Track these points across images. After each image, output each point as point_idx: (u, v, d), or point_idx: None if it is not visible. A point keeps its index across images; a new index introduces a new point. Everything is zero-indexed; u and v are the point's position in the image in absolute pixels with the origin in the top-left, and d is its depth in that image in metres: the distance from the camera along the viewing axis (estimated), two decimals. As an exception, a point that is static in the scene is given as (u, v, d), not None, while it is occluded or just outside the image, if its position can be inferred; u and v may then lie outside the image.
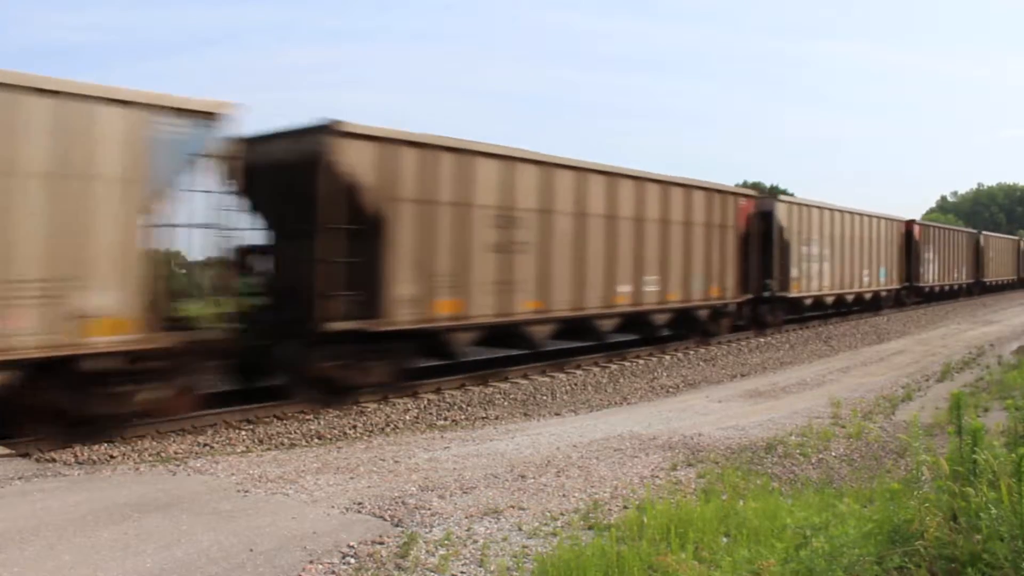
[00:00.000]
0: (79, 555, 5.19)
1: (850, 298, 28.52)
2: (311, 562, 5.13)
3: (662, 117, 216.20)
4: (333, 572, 5.00)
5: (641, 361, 17.21)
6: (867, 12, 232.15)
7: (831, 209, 26.99)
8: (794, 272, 23.67)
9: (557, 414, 11.65)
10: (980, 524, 4.10)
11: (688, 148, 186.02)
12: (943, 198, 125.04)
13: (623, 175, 16.64)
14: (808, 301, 25.03)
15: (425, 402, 12.37)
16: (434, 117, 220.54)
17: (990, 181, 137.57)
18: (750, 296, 21.51)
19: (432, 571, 5.01)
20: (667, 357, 17.95)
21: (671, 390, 13.82)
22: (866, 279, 29.45)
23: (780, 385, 13.72)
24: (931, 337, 22.34)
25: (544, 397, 13.19)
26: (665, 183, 17.91)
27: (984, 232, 50.19)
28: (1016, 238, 60.60)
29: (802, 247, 24.24)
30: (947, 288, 40.08)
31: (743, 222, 20.98)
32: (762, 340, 21.64)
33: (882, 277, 30.99)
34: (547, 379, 14.70)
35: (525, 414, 11.76)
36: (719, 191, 20.11)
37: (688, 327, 19.62)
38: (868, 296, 30.09)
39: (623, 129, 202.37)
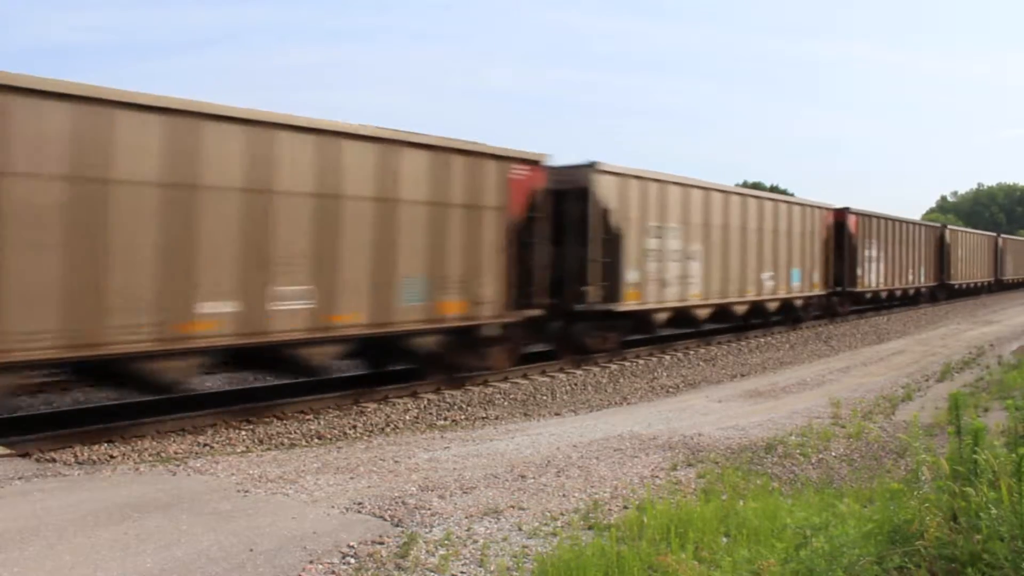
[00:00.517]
0: (79, 555, 5.19)
1: (741, 309, 21.33)
2: (311, 562, 5.13)
3: (662, 117, 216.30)
4: (333, 572, 5.00)
5: (641, 361, 17.20)
6: (867, 12, 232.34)
7: (703, 188, 19.54)
8: (630, 275, 16.79)
9: (557, 414, 11.66)
10: (980, 524, 4.10)
11: (688, 148, 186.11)
12: (943, 198, 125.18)
13: (220, 116, 9.90)
14: (661, 316, 18.16)
15: (425, 402, 12.36)
16: (434, 117, 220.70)
17: (990, 181, 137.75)
18: (539, 312, 14.62)
19: (432, 571, 5.01)
20: (667, 357, 17.93)
21: (671, 390, 13.82)
22: (768, 284, 22.35)
23: (780, 385, 13.73)
24: (931, 337, 22.35)
25: (544, 397, 13.19)
26: (331, 134, 11.14)
27: (950, 227, 43.23)
28: (992, 235, 52.91)
29: (648, 239, 17.37)
30: (898, 293, 33.03)
31: (521, 201, 14.18)
32: (762, 341, 21.60)
33: (795, 281, 23.94)
34: (547, 379, 14.69)
35: (525, 414, 11.76)
36: (463, 151, 13.15)
37: (408, 361, 13.33)
38: (773, 306, 23.07)
39: (623, 129, 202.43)
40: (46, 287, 8.53)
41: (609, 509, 6.34)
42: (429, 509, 6.29)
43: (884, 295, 31.77)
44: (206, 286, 9.79)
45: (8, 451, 8.46)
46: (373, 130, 11.75)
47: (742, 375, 15.42)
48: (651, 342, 19.05)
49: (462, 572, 5.01)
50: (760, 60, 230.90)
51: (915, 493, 4.77)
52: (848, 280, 27.89)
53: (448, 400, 12.62)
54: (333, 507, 6.34)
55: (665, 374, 15.70)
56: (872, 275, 29.97)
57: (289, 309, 10.64)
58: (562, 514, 6.20)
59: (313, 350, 11.16)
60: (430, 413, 11.72)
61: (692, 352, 18.87)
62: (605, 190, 16.29)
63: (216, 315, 9.92)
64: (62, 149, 8.61)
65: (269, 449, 9.27)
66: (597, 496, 6.70)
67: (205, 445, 9.46)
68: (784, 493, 6.91)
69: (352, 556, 5.25)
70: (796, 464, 8.19)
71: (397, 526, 5.89)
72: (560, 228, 15.71)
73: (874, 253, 29.98)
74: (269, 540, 5.52)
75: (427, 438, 9.56)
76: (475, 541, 5.54)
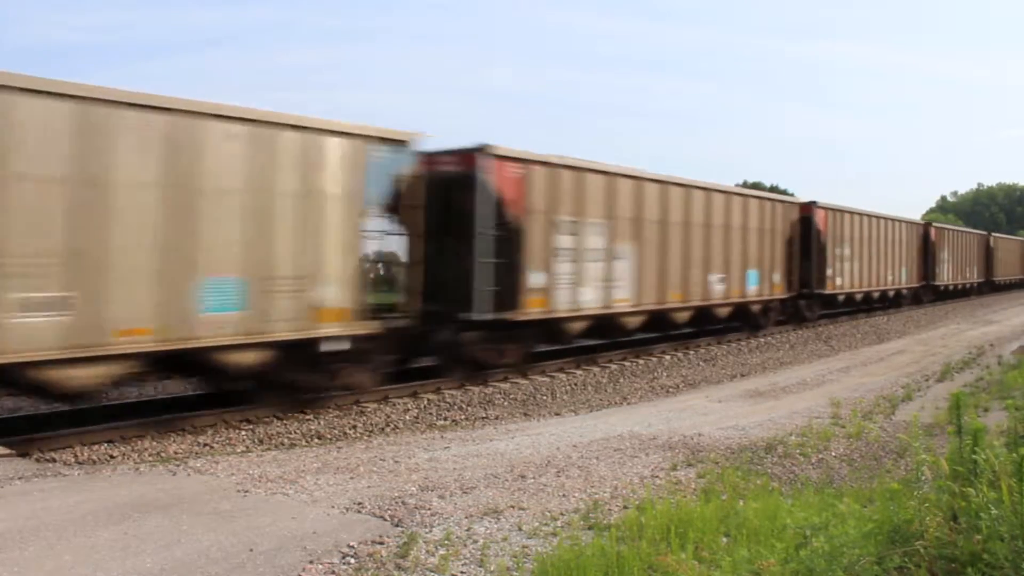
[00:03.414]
0: (79, 555, 5.19)
1: (683, 316, 18.85)
2: (311, 562, 5.13)
3: (662, 117, 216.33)
4: (333, 572, 5.00)
5: (641, 361, 17.20)
6: (867, 12, 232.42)
7: (633, 177, 16.93)
8: (534, 278, 14.29)
9: (557, 414, 11.66)
10: (980, 524, 4.10)
11: (688, 148, 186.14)
12: (943, 198, 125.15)
13: None
14: (576, 325, 15.68)
15: (425, 402, 12.37)
16: (434, 117, 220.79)
17: (990, 181, 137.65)
18: (404, 323, 12.11)
19: (432, 571, 5.01)
20: (667, 357, 17.93)
21: (671, 390, 13.82)
22: (718, 287, 19.85)
23: (780, 385, 13.73)
24: (931, 337, 22.35)
25: (544, 397, 13.19)
26: (93, 101, 8.88)
27: (936, 224, 39.54)
28: (983, 233, 49.55)
29: (558, 236, 14.84)
30: (875, 295, 30.65)
31: (384, 189, 11.74)
32: (762, 341, 21.63)
33: (751, 283, 21.47)
34: (547, 379, 14.69)
35: (525, 414, 11.77)
36: (295, 127, 10.76)
37: (240, 380, 10.81)
38: (723, 312, 20.56)
39: (623, 129, 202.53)
40: None
41: (609, 509, 6.34)
42: (429, 509, 6.29)
43: (859, 298, 29.18)
44: None
45: (8, 451, 8.46)
46: (157, 99, 9.43)
47: (742, 375, 15.42)
48: (568, 353, 16.79)
49: (462, 572, 5.01)
50: (760, 60, 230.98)
51: (915, 493, 4.76)
52: (816, 282, 25.23)
53: (448, 400, 12.62)
54: (333, 507, 6.34)
55: (665, 374, 15.70)
56: (845, 276, 27.20)
57: (31, 322, 8.44)
58: (562, 514, 6.20)
59: (72, 372, 8.86)
60: (430, 413, 11.72)
61: (692, 352, 18.87)
62: (499, 178, 13.66)
63: None
64: None
65: (269, 449, 9.27)
66: (597, 496, 6.70)
67: (205, 445, 9.46)
68: (784, 493, 6.91)
69: (352, 556, 5.25)
70: (796, 464, 8.19)
71: (397, 526, 5.89)
72: (445, 223, 13.29)
73: (847, 252, 27.27)
74: (269, 540, 5.52)
75: (427, 438, 9.56)
76: (475, 541, 5.54)
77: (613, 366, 16.40)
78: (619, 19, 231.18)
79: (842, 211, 27.41)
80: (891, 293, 32.25)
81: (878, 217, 30.79)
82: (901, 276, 32.90)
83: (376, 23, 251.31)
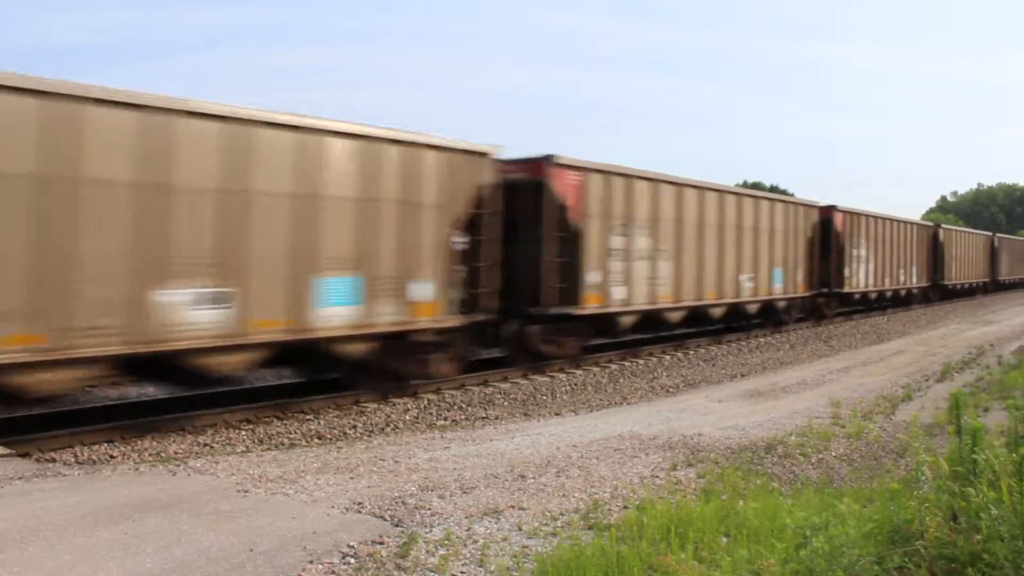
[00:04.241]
0: (79, 555, 5.19)
1: (217, 365, 9.71)
2: (311, 562, 5.13)
3: (662, 117, 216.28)
4: (333, 572, 5.00)
5: (641, 361, 17.20)
6: (867, 12, 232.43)
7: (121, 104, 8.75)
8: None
9: (557, 414, 11.66)
10: (980, 524, 4.10)
11: (688, 148, 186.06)
12: (943, 198, 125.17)
13: None
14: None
15: (425, 402, 12.37)
16: (434, 117, 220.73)
17: (990, 181, 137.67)
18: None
19: (432, 571, 5.01)
20: (667, 357, 17.93)
21: (671, 390, 13.82)
22: (337, 315, 10.86)
23: (780, 385, 13.72)
24: (931, 337, 22.35)
25: (544, 397, 13.19)
26: None
27: (842, 207, 27.17)
28: (930, 224, 39.87)
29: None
30: (719, 311, 20.27)
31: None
32: (762, 341, 21.63)
33: (342, 303, 10.99)
34: (547, 379, 14.68)
35: (525, 414, 11.76)
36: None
37: None
38: (355, 349, 11.28)
39: (623, 129, 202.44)
40: None
41: (609, 509, 6.34)
42: (429, 509, 6.29)
43: (675, 318, 18.32)
44: None
45: (8, 451, 8.45)
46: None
47: (742, 375, 15.42)
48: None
49: (462, 572, 5.01)
50: (760, 60, 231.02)
51: (915, 493, 4.77)
52: (559, 295, 14.91)
53: (448, 400, 12.62)
54: (333, 507, 6.34)
55: (665, 374, 15.69)
56: (635, 284, 16.68)
57: None
58: (562, 514, 6.20)
59: None
60: (430, 413, 11.72)
61: (692, 352, 18.86)
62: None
63: None
64: None
65: (269, 449, 9.27)
66: (597, 496, 6.70)
67: (205, 445, 9.46)
68: (784, 493, 6.91)
69: (352, 556, 5.25)
70: (796, 464, 8.19)
71: (397, 526, 5.89)
72: None
73: (640, 244, 16.83)
74: (269, 540, 5.52)
75: (427, 438, 9.55)
76: (475, 541, 5.54)
77: (613, 366, 16.39)
78: (619, 19, 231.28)
79: (633, 176, 16.58)
80: (753, 307, 21.89)
81: (728, 192, 20.81)
82: (773, 281, 22.53)
83: (376, 23, 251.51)
